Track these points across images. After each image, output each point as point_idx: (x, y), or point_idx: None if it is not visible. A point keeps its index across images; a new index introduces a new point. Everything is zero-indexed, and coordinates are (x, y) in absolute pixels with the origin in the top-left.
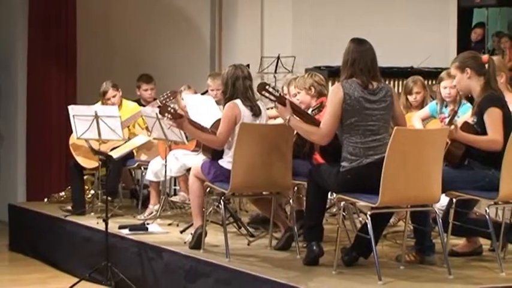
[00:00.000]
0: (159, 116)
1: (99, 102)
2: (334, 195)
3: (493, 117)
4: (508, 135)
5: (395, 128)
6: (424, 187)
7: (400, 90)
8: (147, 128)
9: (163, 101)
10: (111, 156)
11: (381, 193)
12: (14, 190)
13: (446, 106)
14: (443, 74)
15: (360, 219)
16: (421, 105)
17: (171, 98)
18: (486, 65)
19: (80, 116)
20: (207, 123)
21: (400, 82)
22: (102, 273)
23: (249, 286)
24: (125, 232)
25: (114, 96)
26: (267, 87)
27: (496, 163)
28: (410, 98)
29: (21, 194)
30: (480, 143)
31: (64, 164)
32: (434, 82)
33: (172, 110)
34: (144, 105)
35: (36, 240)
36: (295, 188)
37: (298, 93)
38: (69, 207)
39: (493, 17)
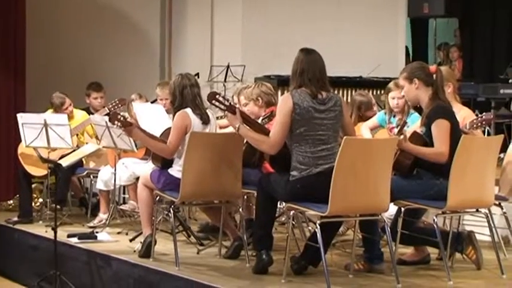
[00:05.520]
0: (109, 123)
1: (50, 111)
2: (284, 204)
3: (440, 129)
4: (455, 145)
5: (345, 137)
6: (373, 196)
7: (349, 100)
8: (96, 137)
9: (112, 109)
10: (60, 164)
11: (330, 202)
12: None
13: (394, 116)
14: (391, 85)
15: (309, 228)
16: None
17: (120, 105)
18: (434, 76)
19: (28, 124)
20: (157, 132)
21: (349, 91)
22: (50, 282)
23: None
24: (74, 241)
25: (70, 105)
26: (217, 96)
27: (444, 173)
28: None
29: None
30: (426, 155)
31: (12, 172)
32: (383, 92)
33: (122, 118)
34: (93, 114)
35: None
36: (245, 196)
37: (247, 104)
38: (15, 218)
39: (441, 27)
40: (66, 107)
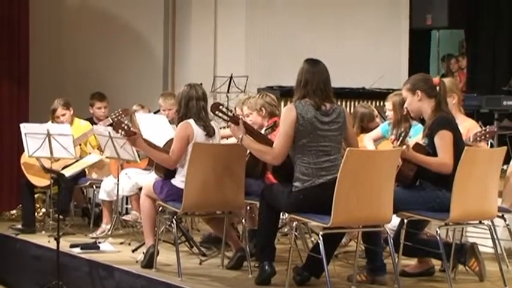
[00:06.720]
0: (113, 132)
1: (50, 120)
2: (287, 215)
3: (443, 140)
4: (458, 157)
5: (348, 149)
6: (375, 208)
7: (351, 111)
8: (99, 147)
9: (115, 119)
10: (63, 174)
11: (333, 213)
12: None
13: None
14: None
15: (312, 239)
16: None
17: (123, 115)
18: (437, 87)
19: (32, 134)
20: (160, 143)
21: (352, 103)
22: None
23: None
24: (77, 251)
25: (63, 115)
26: (220, 107)
27: (447, 184)
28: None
29: None
30: (430, 164)
31: (15, 182)
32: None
33: (126, 127)
34: (96, 123)
35: None
36: (248, 207)
37: (251, 114)
38: (20, 226)
39: (444, 39)
40: (57, 116)
